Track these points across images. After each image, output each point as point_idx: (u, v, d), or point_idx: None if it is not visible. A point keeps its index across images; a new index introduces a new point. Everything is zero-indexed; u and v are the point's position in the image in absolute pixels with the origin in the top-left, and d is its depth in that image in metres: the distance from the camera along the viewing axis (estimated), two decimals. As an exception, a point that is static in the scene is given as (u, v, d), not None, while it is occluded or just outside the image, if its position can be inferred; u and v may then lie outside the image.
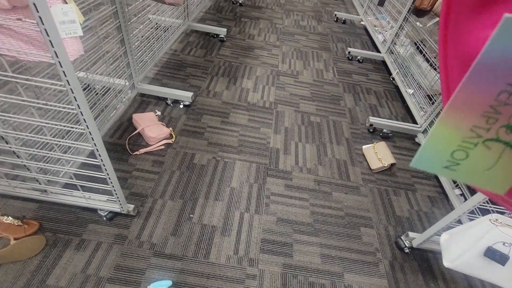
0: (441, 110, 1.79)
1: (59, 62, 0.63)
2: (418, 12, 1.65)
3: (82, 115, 0.76)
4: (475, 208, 1.10)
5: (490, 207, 1.22)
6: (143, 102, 1.85)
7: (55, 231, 1.17)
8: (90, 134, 0.82)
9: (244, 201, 1.42)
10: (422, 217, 1.52)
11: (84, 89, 1.68)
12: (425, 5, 1.53)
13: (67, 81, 0.67)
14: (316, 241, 1.32)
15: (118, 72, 1.64)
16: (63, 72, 0.65)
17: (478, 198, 0.99)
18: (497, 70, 0.13)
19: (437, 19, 1.56)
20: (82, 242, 1.16)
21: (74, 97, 0.71)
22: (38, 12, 0.57)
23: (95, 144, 0.85)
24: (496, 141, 0.15)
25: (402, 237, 1.35)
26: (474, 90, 0.14)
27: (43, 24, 0.58)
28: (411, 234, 1.32)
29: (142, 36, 1.91)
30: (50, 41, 0.60)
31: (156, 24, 2.11)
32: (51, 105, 0.78)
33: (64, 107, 0.78)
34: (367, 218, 1.46)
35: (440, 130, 0.16)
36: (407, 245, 1.32)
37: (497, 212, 0.95)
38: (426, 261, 1.33)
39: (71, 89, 0.69)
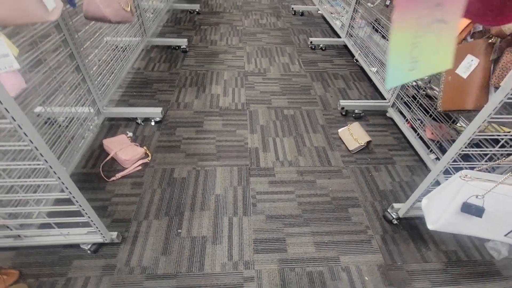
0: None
1: (-1, 100, 0.60)
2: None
3: (37, 149, 0.73)
4: (449, 167, 1.15)
5: (463, 164, 1.27)
6: (113, 126, 1.80)
7: (38, 275, 1.11)
8: (51, 168, 0.79)
9: (230, 205, 1.41)
10: (404, 187, 1.56)
11: (45, 123, 1.61)
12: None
13: (12, 117, 0.64)
14: (307, 230, 1.33)
15: (79, 100, 1.58)
16: (5, 109, 0.62)
17: (448, 157, 1.03)
18: None
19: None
20: (68, 281, 1.10)
21: (24, 133, 0.68)
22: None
23: (59, 177, 0.82)
24: (434, 22, 0.18)
25: (388, 210, 1.39)
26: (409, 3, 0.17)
27: (-29, 62, 0.55)
28: (395, 205, 1.35)
29: (100, 60, 1.85)
30: (-16, 79, 0.57)
31: (114, 45, 2.07)
32: (2, 146, 0.74)
33: (13, 145, 0.74)
34: (353, 199, 1.48)
35: (396, 36, 0.18)
36: (394, 217, 1.36)
37: (469, 168, 0.99)
38: (415, 228, 1.37)
39: (18, 125, 0.66)
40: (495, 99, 0.80)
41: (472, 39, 1.04)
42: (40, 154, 0.74)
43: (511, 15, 0.24)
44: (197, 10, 3.40)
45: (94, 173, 1.51)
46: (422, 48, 0.19)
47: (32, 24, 0.74)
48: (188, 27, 3.08)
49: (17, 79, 0.68)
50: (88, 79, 1.57)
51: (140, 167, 1.56)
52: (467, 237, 1.36)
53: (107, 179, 1.48)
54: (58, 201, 1.29)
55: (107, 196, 1.41)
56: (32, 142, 0.70)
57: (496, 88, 0.91)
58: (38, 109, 1.52)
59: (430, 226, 1.03)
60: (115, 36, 2.15)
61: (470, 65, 0.92)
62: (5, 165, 0.83)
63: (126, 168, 1.53)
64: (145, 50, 2.61)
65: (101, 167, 1.53)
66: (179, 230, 1.29)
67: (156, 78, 2.27)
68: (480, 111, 0.85)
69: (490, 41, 0.89)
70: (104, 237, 1.13)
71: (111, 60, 1.89)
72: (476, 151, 1.09)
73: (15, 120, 0.65)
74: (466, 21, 0.98)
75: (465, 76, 0.94)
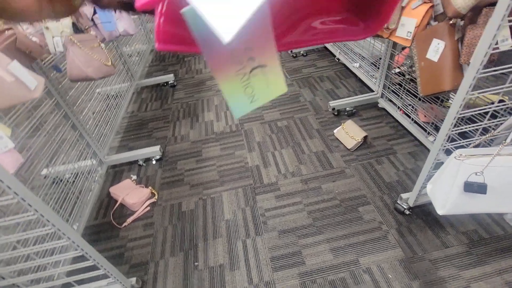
0: (386, 71, 1.87)
1: (0, 180, 0.65)
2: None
3: (43, 216, 0.76)
4: (450, 148, 1.14)
5: (462, 142, 1.25)
6: (116, 172, 1.86)
7: (67, 336, 1.13)
8: (60, 231, 0.82)
9: (241, 228, 1.42)
10: (410, 175, 1.55)
11: (53, 183, 1.67)
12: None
13: (14, 192, 0.69)
14: (322, 238, 1.32)
15: (81, 155, 1.65)
16: (7, 186, 0.67)
17: (441, 139, 1.04)
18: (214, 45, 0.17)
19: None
20: (97, 336, 1.11)
21: (28, 204, 0.72)
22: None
23: (69, 238, 0.85)
24: (254, 68, 0.21)
25: (398, 201, 1.38)
26: (222, 67, 0.19)
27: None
28: (403, 195, 1.34)
29: (94, 112, 1.94)
30: (-17, 164, 0.62)
31: (105, 94, 2.16)
32: (9, 220, 0.79)
33: (21, 217, 0.78)
34: (361, 197, 1.48)
35: (224, 86, 0.21)
36: (405, 207, 1.34)
37: (458, 147, 0.99)
38: (429, 215, 1.35)
39: (21, 198, 0.70)
40: (468, 76, 0.82)
41: (437, 22, 1.07)
42: (47, 220, 0.78)
43: (375, 27, 0.25)
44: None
45: (106, 222, 1.55)
46: (253, 86, 0.22)
47: (18, 104, 0.80)
48: (172, 61, 3.20)
49: (13, 157, 0.73)
50: (85, 134, 1.63)
51: (148, 208, 1.59)
52: (484, 213, 1.33)
53: (119, 226, 1.51)
54: (76, 259, 1.32)
55: (121, 243, 1.44)
56: (37, 211, 0.74)
57: (468, 65, 0.93)
58: (44, 172, 1.58)
59: (440, 211, 1.02)
60: (105, 86, 2.25)
61: (437, 48, 0.95)
62: (19, 237, 0.87)
63: (136, 211, 1.56)
64: (135, 92, 2.70)
65: (111, 215, 1.57)
66: (196, 263, 1.30)
67: (151, 117, 2.34)
68: (458, 91, 0.86)
69: (451, 22, 0.92)
70: (124, 285, 1.14)
71: (105, 110, 1.97)
72: (472, 127, 1.09)
73: (17, 195, 0.69)
74: (426, 7, 1.02)
75: (436, 59, 0.96)
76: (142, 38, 3.12)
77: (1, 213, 0.88)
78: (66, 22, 1.16)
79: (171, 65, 3.12)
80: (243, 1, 0.16)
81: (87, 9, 1.56)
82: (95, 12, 1.57)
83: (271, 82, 0.22)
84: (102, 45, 1.29)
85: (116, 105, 2.14)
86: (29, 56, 1.13)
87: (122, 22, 1.82)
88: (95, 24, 1.47)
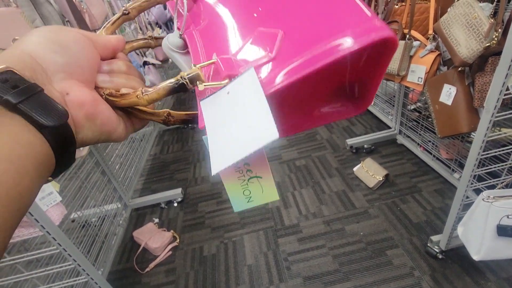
0: (402, 109, 1.90)
1: (47, 232, 0.71)
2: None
3: (80, 266, 0.80)
4: (481, 187, 1.10)
5: (492, 181, 1.20)
6: (139, 215, 1.90)
7: None
8: (93, 280, 0.85)
9: (265, 274, 1.38)
10: (439, 214, 1.49)
11: (82, 227, 1.73)
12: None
13: (58, 243, 0.74)
14: (350, 285, 1.25)
15: (108, 200, 1.72)
16: (53, 238, 0.72)
17: (465, 180, 1.02)
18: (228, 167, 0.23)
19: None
20: None
21: (69, 254, 0.77)
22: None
23: (100, 287, 0.87)
24: (251, 177, 0.26)
25: (428, 244, 1.31)
26: (225, 172, 0.25)
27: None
28: (433, 237, 1.28)
29: (120, 157, 2.06)
30: (36, 219, 0.68)
31: (131, 138, 2.31)
32: (50, 269, 0.83)
33: (61, 266, 0.82)
34: (388, 239, 1.42)
35: (227, 185, 0.27)
36: (437, 251, 1.27)
37: (487, 187, 0.97)
38: (465, 259, 1.27)
39: (63, 249, 0.75)
40: (484, 120, 0.84)
41: (446, 67, 1.12)
42: (83, 269, 0.81)
43: (363, 107, 0.29)
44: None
45: (129, 267, 1.55)
46: (250, 190, 0.27)
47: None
48: (191, 105, 3.41)
49: (59, 209, 0.80)
50: (113, 179, 1.73)
51: (170, 252, 1.59)
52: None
53: (141, 272, 1.51)
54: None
55: (144, 290, 1.42)
56: (75, 261, 0.78)
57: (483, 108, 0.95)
58: (75, 216, 1.65)
59: (475, 256, 0.97)
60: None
61: (450, 93, 0.98)
62: (55, 286, 0.90)
63: (158, 256, 1.57)
64: (158, 136, 2.86)
65: (134, 260, 1.58)
66: (219, 313, 1.25)
67: (172, 159, 2.45)
68: (476, 134, 0.87)
69: (460, 69, 0.97)
70: (146, 337, 1.11)
71: (130, 154, 2.09)
72: (497, 167, 1.07)
73: (61, 245, 0.74)
74: (433, 55, 1.08)
75: (449, 103, 0.99)
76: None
77: (39, 262, 0.93)
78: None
79: (189, 109, 3.32)
80: (242, 147, 0.22)
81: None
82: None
83: (265, 190, 0.27)
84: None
85: (140, 149, 2.27)
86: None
87: (150, 75, 2.02)
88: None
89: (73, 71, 0.24)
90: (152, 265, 1.53)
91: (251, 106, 0.22)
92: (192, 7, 0.38)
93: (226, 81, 0.25)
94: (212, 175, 0.23)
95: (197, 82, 0.25)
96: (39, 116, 0.19)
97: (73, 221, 1.80)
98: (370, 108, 2.42)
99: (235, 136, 0.23)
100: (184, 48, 0.36)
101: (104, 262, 1.48)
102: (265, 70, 0.23)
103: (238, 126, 0.23)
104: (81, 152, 0.85)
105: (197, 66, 0.25)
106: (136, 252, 1.62)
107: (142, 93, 0.25)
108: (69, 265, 0.80)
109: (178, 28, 0.35)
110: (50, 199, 0.74)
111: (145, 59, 2.23)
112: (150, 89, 0.26)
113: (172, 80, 0.25)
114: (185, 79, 0.25)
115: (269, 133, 0.22)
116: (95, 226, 1.52)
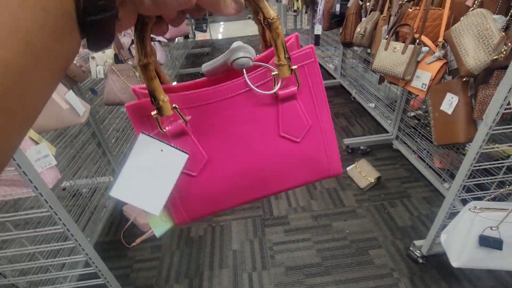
0: (402, 115, 1.90)
1: (40, 193, 0.71)
2: (345, 44, 1.89)
3: (69, 231, 0.81)
4: (467, 198, 1.13)
5: (479, 193, 1.23)
6: (131, 191, 1.91)
7: None
8: (80, 246, 0.86)
9: (248, 260, 1.40)
10: (424, 221, 1.52)
11: (72, 196, 1.74)
12: (348, 39, 1.77)
13: (50, 206, 0.74)
14: (330, 279, 1.29)
15: (101, 172, 1.72)
16: (45, 200, 0.72)
17: (454, 190, 1.04)
18: None
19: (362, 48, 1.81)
20: None
21: (59, 218, 0.77)
22: (15, 160, 0.66)
23: (86, 254, 0.89)
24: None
25: (411, 248, 1.34)
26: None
27: (20, 168, 0.67)
28: (417, 242, 1.31)
29: (117, 131, 2.05)
30: (29, 179, 0.68)
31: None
32: (40, 231, 0.84)
33: (50, 229, 0.83)
34: (372, 239, 1.45)
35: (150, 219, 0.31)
36: (418, 255, 1.31)
37: (474, 198, 0.99)
38: (445, 266, 1.30)
39: (54, 212, 0.76)
40: (481, 132, 0.85)
41: (451, 76, 1.13)
42: (71, 234, 0.82)
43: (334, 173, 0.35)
44: (201, 72, 3.75)
45: (116, 240, 1.57)
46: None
47: (67, 127, 0.89)
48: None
49: (54, 173, 0.80)
50: (108, 152, 1.72)
51: (158, 230, 1.61)
52: (506, 272, 1.27)
53: (128, 245, 1.53)
54: (82, 275, 1.33)
55: (128, 263, 1.44)
56: (65, 225, 0.79)
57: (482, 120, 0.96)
58: (66, 184, 1.65)
59: (454, 263, 1.00)
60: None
61: (451, 102, 0.99)
62: (42, 248, 0.91)
63: (145, 232, 1.58)
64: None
65: (122, 233, 1.60)
66: (200, 293, 1.28)
67: (169, 139, 2.44)
68: (471, 145, 0.89)
69: (464, 79, 0.97)
70: (127, 308, 1.14)
71: (128, 129, 2.08)
72: (487, 179, 1.09)
73: (52, 209, 0.75)
74: (440, 63, 1.08)
75: (450, 112, 1.00)
76: (168, 64, 3.37)
77: (28, 224, 0.93)
78: (110, 53, 1.29)
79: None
80: (138, 199, 0.26)
81: (125, 39, 1.73)
82: (132, 43, 1.73)
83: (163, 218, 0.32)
84: (137, 73, 1.42)
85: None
86: (73, 79, 1.26)
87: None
88: (132, 55, 1.62)
89: None
90: (138, 240, 1.55)
91: (164, 178, 0.26)
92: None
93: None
94: (110, 195, 0.26)
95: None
96: None
97: (64, 189, 1.81)
98: (370, 110, 2.43)
99: (141, 185, 0.26)
100: None
101: (92, 232, 1.49)
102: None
103: (147, 181, 0.26)
104: (81, 119, 0.84)
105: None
106: (124, 226, 1.64)
107: None
108: (59, 229, 0.81)
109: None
110: (45, 161, 0.74)
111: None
112: None
113: None
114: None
115: (154, 208, 0.27)
116: (85, 197, 1.53)
